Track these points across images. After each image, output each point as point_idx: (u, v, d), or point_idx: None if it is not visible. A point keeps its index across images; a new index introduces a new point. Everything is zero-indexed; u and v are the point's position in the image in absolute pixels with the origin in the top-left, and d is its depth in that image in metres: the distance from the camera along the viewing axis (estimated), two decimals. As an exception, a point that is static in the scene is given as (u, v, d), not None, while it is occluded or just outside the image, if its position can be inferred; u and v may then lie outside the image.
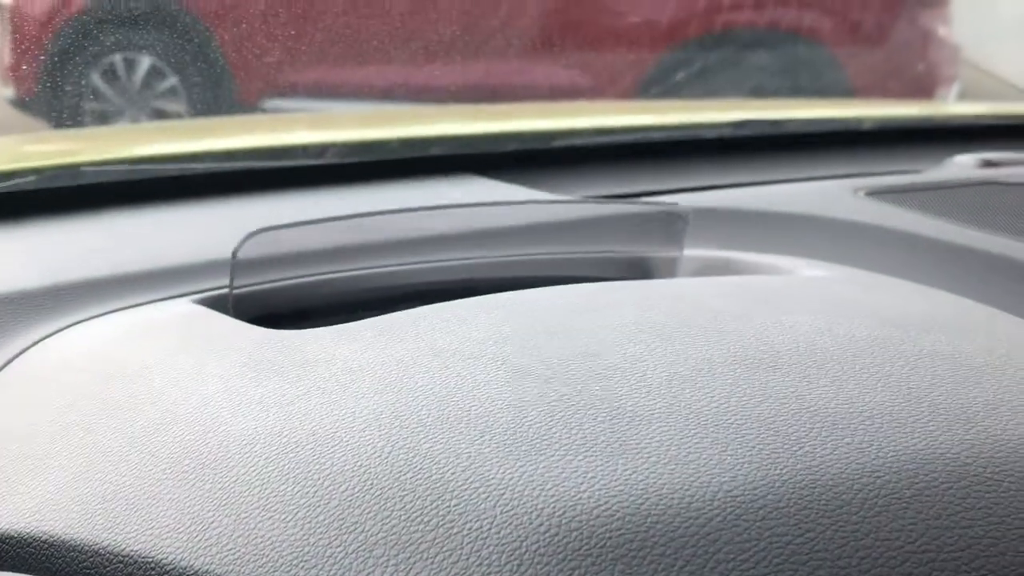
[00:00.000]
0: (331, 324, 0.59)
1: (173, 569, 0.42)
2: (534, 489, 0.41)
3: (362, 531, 0.41)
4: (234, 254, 0.64)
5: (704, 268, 0.78)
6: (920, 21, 2.71)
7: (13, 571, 0.47)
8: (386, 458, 0.44)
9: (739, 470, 0.42)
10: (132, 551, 0.44)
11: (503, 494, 0.41)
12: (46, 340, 0.65)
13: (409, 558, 0.40)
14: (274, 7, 1.29)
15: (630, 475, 0.42)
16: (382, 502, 0.42)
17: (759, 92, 2.11)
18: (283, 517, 0.42)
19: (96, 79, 1.48)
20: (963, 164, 1.23)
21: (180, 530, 0.43)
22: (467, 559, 0.39)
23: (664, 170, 1.14)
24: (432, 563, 0.39)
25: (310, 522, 0.42)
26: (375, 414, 0.47)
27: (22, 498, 0.49)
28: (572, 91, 1.84)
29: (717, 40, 2.16)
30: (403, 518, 0.41)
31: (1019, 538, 0.41)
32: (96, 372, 0.58)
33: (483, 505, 0.41)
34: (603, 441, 0.44)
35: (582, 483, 0.41)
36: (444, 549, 0.40)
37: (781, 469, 0.42)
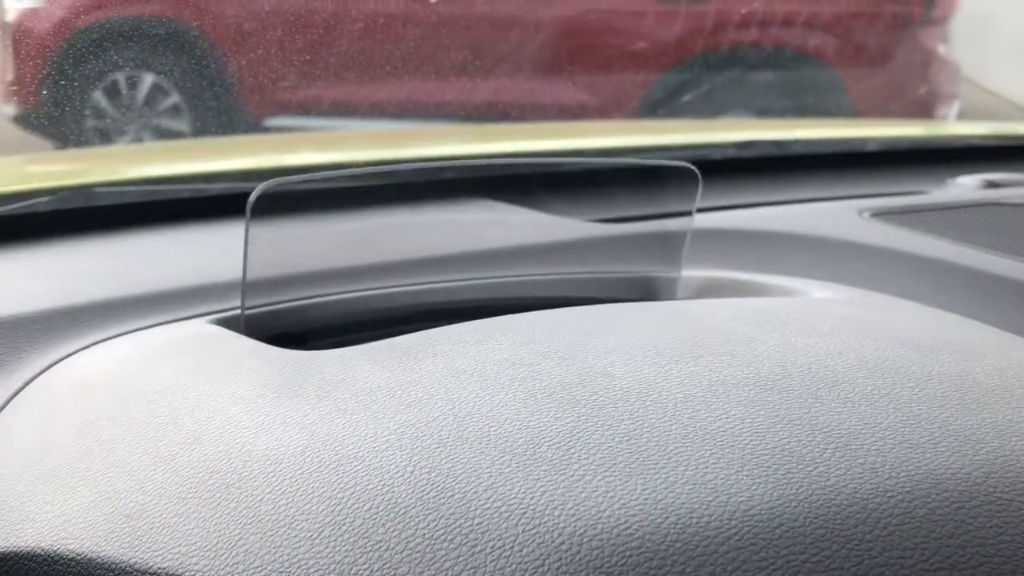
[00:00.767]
0: (340, 344, 0.60)
1: None
2: (555, 508, 0.42)
3: (386, 548, 0.42)
4: (248, 207, 0.63)
5: (714, 288, 0.79)
6: (922, 41, 2.72)
7: None
8: (408, 477, 0.45)
9: (755, 490, 0.43)
10: (159, 568, 0.44)
11: (524, 513, 0.42)
12: (65, 360, 0.65)
13: (433, 575, 0.40)
14: (283, 26, 1.31)
15: (649, 495, 0.43)
16: (405, 520, 0.43)
17: (764, 112, 2.13)
18: (308, 535, 0.43)
19: (100, 97, 1.49)
20: (967, 185, 1.24)
21: (207, 548, 0.44)
22: None
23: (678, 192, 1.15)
24: None
25: (335, 540, 0.43)
26: (396, 434, 0.48)
27: (47, 516, 0.49)
28: (579, 111, 1.85)
29: (722, 61, 2.17)
30: (426, 536, 0.42)
31: None
32: (116, 392, 0.59)
33: (505, 524, 0.42)
34: (621, 461, 0.45)
35: (602, 502, 0.42)
36: (468, 567, 0.40)
37: (796, 489, 0.43)
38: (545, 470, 0.44)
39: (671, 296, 0.80)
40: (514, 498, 0.43)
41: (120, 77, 1.57)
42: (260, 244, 0.65)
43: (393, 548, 0.42)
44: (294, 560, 0.42)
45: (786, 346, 0.57)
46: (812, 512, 0.42)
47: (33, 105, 1.28)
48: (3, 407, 0.61)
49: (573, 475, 0.44)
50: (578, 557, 0.40)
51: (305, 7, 1.36)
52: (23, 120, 1.36)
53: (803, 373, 0.53)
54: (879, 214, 1.08)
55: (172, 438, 0.52)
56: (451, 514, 0.42)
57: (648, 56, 2.12)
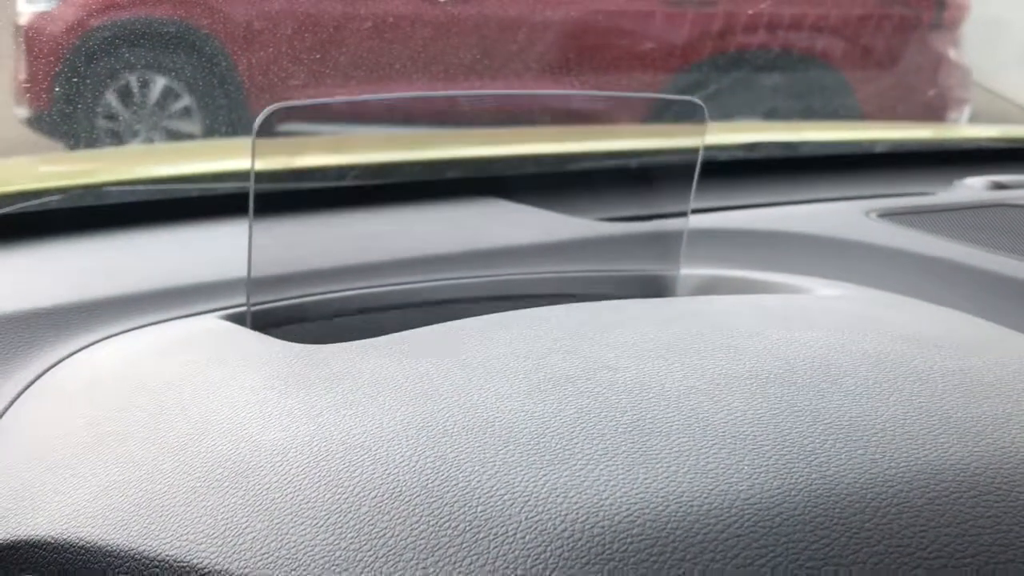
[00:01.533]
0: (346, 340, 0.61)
1: (209, 573, 0.44)
2: (558, 496, 0.43)
3: (392, 536, 0.42)
4: (256, 129, 0.63)
5: (719, 286, 0.80)
6: (932, 44, 2.72)
7: None
8: (413, 466, 0.45)
9: (755, 479, 0.43)
10: (168, 556, 0.45)
11: (528, 501, 0.43)
12: (77, 354, 0.66)
13: (437, 562, 0.41)
14: (292, 28, 1.31)
15: (650, 483, 0.43)
16: (411, 508, 0.43)
17: (772, 114, 2.13)
18: (315, 523, 0.44)
19: (111, 98, 1.50)
20: (973, 186, 1.24)
21: (215, 535, 0.45)
22: (493, 563, 0.41)
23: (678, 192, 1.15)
24: (459, 567, 0.41)
25: (341, 527, 0.43)
26: (402, 424, 0.48)
27: (58, 505, 0.50)
28: (586, 114, 1.86)
29: (730, 63, 2.18)
30: (431, 523, 0.42)
31: None
32: (126, 385, 0.59)
33: (508, 511, 0.42)
34: (624, 451, 0.45)
35: (604, 491, 0.43)
36: (471, 553, 0.41)
37: (796, 478, 0.44)
38: (549, 459, 0.45)
39: (675, 293, 0.81)
40: (518, 486, 0.43)
41: (131, 78, 1.57)
42: (265, 240, 0.65)
43: (398, 535, 0.42)
44: (301, 547, 0.43)
45: (789, 340, 0.57)
46: (812, 501, 0.43)
47: (46, 107, 1.28)
48: (16, 399, 0.62)
49: (576, 464, 0.44)
50: (581, 544, 0.41)
51: (314, 9, 1.37)
52: (36, 121, 1.37)
53: (806, 367, 0.54)
54: (886, 214, 1.08)
55: (181, 429, 0.52)
56: (455, 502, 0.43)
57: (656, 58, 2.12)
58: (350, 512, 0.44)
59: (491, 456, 0.45)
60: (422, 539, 0.42)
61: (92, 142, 1.32)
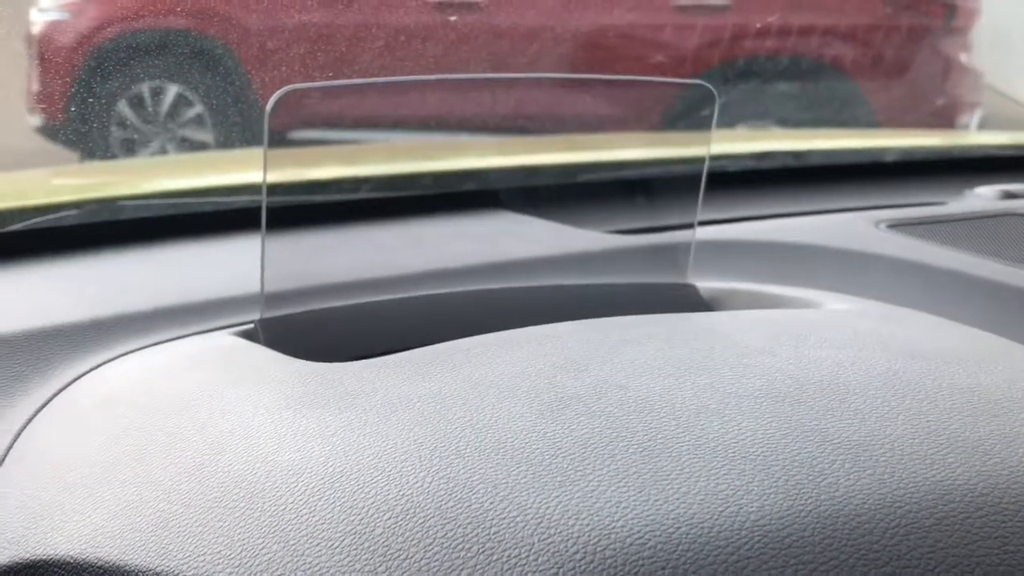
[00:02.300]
0: (359, 356, 0.61)
1: None
2: (569, 518, 0.43)
3: (405, 557, 0.43)
4: (267, 112, 0.63)
5: (730, 300, 0.80)
6: (943, 50, 2.72)
7: None
8: (427, 487, 0.46)
9: (765, 500, 0.44)
10: None
11: (540, 522, 0.43)
12: (92, 372, 0.67)
13: None
14: (305, 41, 1.32)
15: (661, 505, 0.44)
16: (424, 530, 0.44)
17: (782, 123, 2.13)
18: (329, 544, 0.44)
19: (124, 108, 1.51)
20: (984, 196, 1.24)
21: (231, 556, 0.45)
22: None
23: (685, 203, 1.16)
24: None
25: (355, 549, 0.44)
26: (416, 444, 0.49)
27: (76, 526, 0.51)
28: (597, 124, 1.87)
29: (739, 72, 2.18)
30: (444, 545, 0.43)
31: None
32: (143, 404, 0.60)
33: (521, 533, 0.43)
34: (635, 472, 0.46)
35: (615, 512, 0.43)
36: (484, 575, 0.41)
37: (806, 500, 0.44)
38: (560, 480, 0.45)
39: (688, 306, 0.81)
40: (529, 508, 0.44)
41: (145, 90, 1.58)
42: (277, 254, 0.66)
43: (411, 557, 0.43)
44: (315, 569, 0.44)
45: (800, 359, 0.58)
46: (821, 522, 0.43)
47: (59, 118, 1.29)
48: (32, 419, 0.62)
49: (587, 485, 0.45)
50: (592, 566, 0.41)
51: (328, 21, 1.38)
52: (49, 132, 1.38)
53: (816, 386, 0.54)
54: (896, 225, 1.08)
55: (197, 448, 0.53)
56: (468, 523, 0.43)
57: (667, 68, 2.12)
58: (364, 534, 0.44)
59: (503, 477, 0.46)
60: (435, 561, 0.42)
61: (106, 154, 1.33)
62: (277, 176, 0.65)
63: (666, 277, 0.81)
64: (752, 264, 0.96)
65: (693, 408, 0.51)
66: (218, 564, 0.45)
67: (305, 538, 0.45)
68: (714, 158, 1.33)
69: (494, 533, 0.43)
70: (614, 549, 0.42)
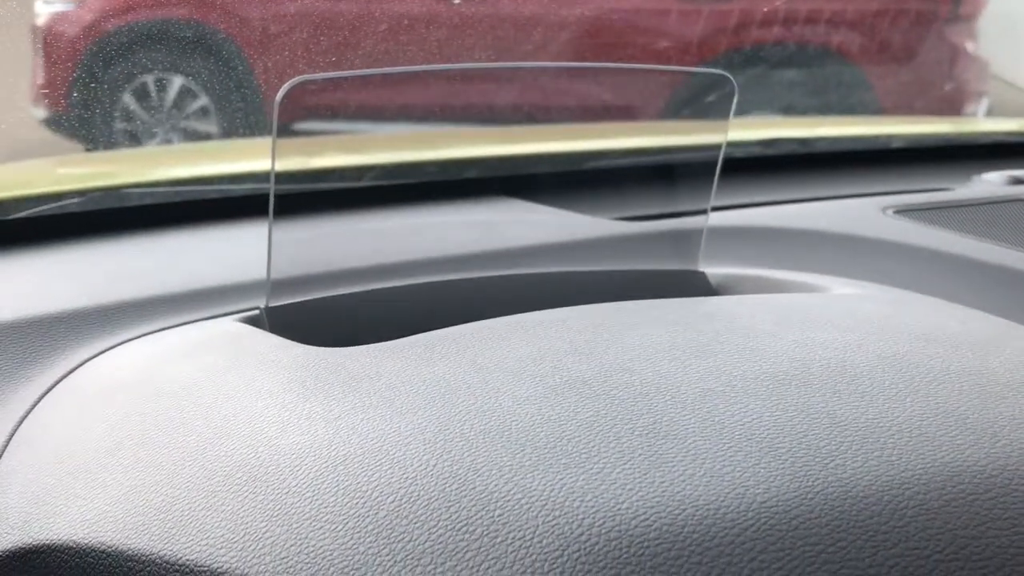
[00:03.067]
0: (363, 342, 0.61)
1: None
2: (574, 500, 0.43)
3: (410, 540, 0.43)
4: (277, 102, 0.63)
5: (737, 285, 0.80)
6: (950, 37, 2.72)
7: None
8: (431, 470, 0.46)
9: (772, 482, 0.44)
10: (188, 560, 0.45)
11: (545, 504, 0.43)
12: (96, 358, 0.67)
13: (455, 566, 0.41)
14: (308, 28, 1.32)
15: (667, 487, 0.43)
16: (428, 512, 0.43)
17: (789, 110, 2.13)
18: (333, 527, 0.44)
19: (128, 99, 1.51)
20: (991, 181, 1.24)
21: (234, 540, 0.45)
22: (511, 567, 0.41)
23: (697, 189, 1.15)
24: (477, 571, 0.41)
25: (360, 531, 0.44)
26: (420, 428, 0.49)
27: (79, 510, 0.50)
28: (603, 112, 1.86)
29: (746, 59, 2.17)
30: (448, 527, 0.43)
31: None
32: (145, 389, 0.60)
33: (525, 515, 0.42)
34: (640, 454, 0.45)
35: (620, 494, 0.43)
36: (489, 557, 0.41)
37: (813, 481, 0.44)
38: (565, 463, 0.45)
39: (696, 292, 0.81)
40: (534, 490, 0.43)
41: (149, 80, 1.58)
42: (284, 242, 0.66)
43: (416, 539, 0.43)
44: (319, 552, 0.43)
45: (805, 342, 0.57)
46: (828, 504, 0.43)
47: (63, 108, 1.29)
48: (36, 404, 0.62)
49: (592, 468, 0.45)
50: (597, 548, 0.41)
51: (330, 9, 1.37)
52: (54, 123, 1.38)
53: (822, 368, 0.54)
54: (903, 211, 1.08)
55: (200, 433, 0.53)
56: (472, 506, 0.43)
57: (672, 55, 2.12)
58: (368, 517, 0.44)
59: (508, 460, 0.45)
60: (440, 544, 0.42)
61: (110, 144, 1.33)
62: (285, 164, 0.65)
63: (677, 264, 0.80)
64: (759, 250, 0.95)
65: (699, 391, 0.51)
66: (221, 548, 0.45)
67: (309, 521, 0.45)
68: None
69: (498, 516, 0.43)
70: (619, 531, 0.41)
